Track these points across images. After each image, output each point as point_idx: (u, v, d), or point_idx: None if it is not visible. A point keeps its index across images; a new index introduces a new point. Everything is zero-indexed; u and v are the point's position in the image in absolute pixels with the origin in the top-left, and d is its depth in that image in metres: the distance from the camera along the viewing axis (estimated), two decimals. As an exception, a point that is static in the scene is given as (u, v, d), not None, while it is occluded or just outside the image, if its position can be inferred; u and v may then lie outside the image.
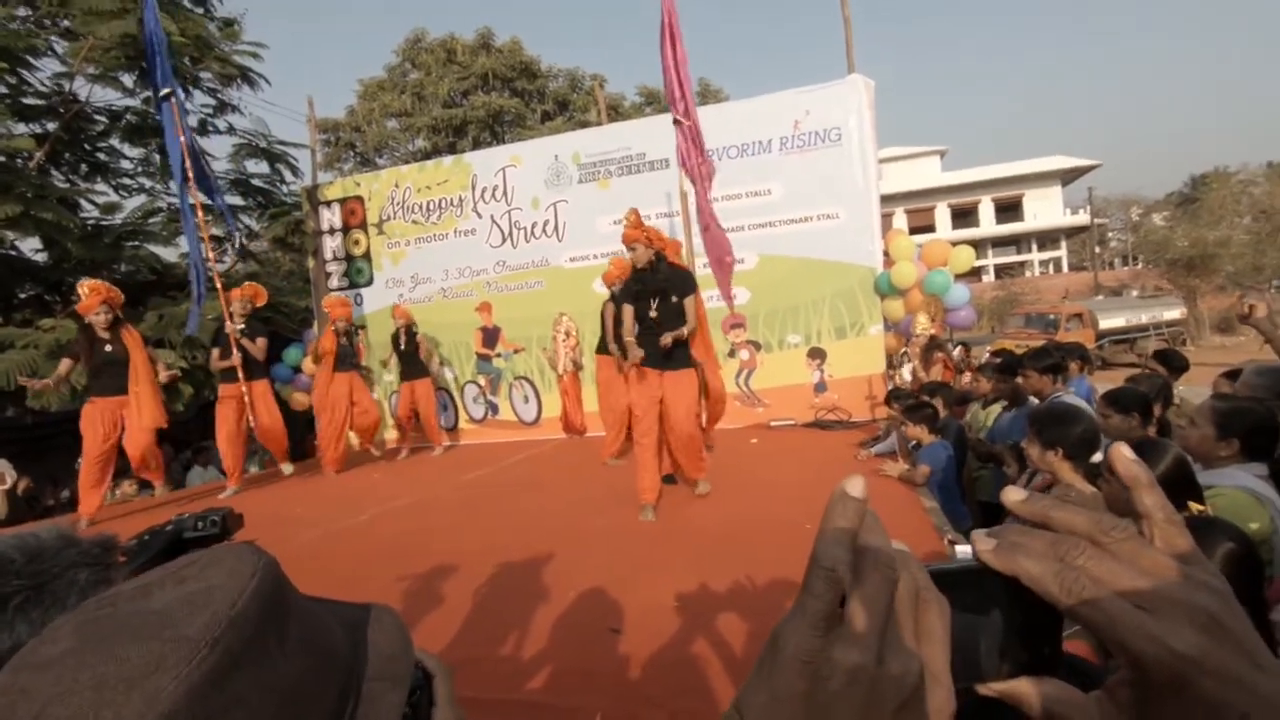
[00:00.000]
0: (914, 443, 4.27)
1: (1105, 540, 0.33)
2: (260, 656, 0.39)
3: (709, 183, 5.55)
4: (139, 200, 9.09)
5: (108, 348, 5.15)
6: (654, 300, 4.08)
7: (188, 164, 5.82)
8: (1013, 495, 0.36)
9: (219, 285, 5.97)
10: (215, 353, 5.99)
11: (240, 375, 5.90)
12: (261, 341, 6.05)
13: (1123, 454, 0.35)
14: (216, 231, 9.85)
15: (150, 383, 5.30)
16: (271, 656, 0.40)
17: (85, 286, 5.13)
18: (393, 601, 2.73)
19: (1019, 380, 3.99)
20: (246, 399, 5.96)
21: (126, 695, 0.34)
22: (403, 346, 7.01)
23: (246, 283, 6.34)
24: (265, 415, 6.11)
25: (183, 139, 5.82)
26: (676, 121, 5.38)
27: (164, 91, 5.76)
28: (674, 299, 4.12)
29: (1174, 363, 3.89)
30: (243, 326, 6.00)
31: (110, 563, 0.78)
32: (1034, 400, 3.74)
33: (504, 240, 7.93)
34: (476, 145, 18.86)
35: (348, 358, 6.67)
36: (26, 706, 0.34)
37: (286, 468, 6.55)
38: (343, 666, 0.46)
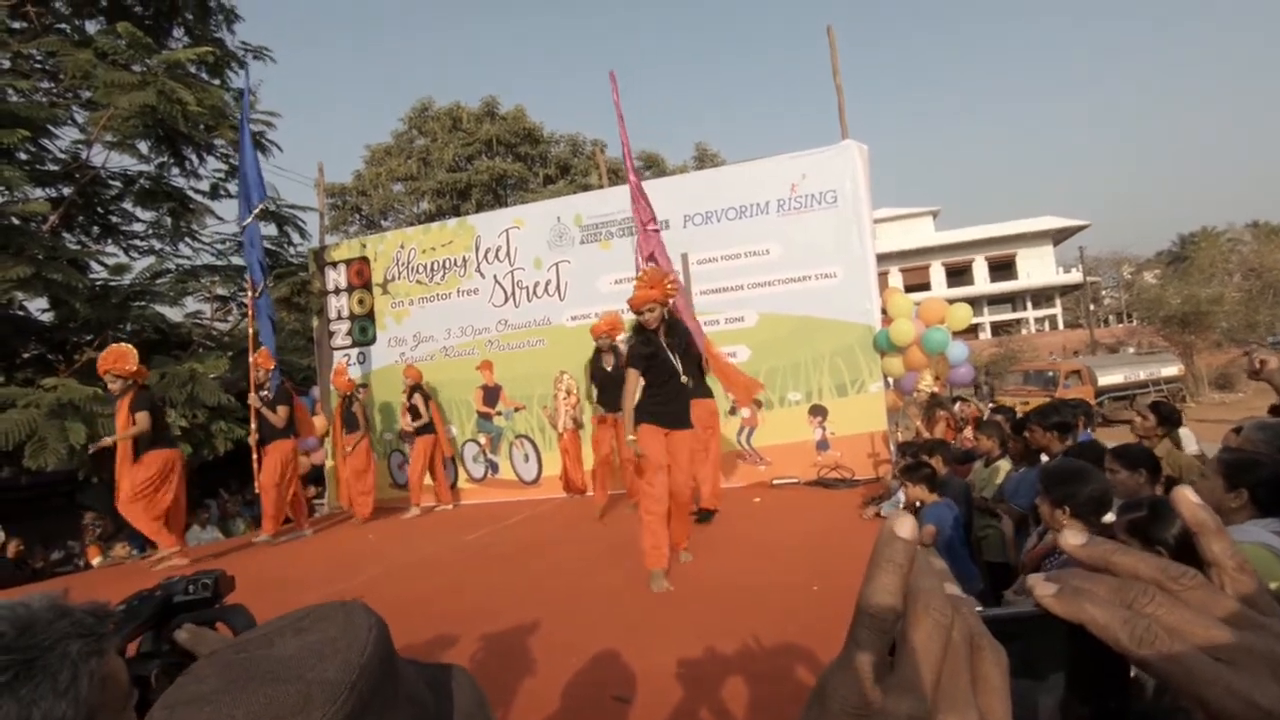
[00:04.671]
0: (917, 503, 4.20)
1: (1175, 587, 0.30)
2: (382, 704, 0.42)
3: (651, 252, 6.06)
4: (148, 261, 9.26)
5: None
6: (677, 360, 3.89)
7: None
8: (1072, 539, 0.33)
9: (250, 350, 6.56)
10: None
11: (254, 439, 6.30)
12: (283, 410, 6.31)
13: (1188, 498, 0.33)
14: (222, 291, 9.99)
15: (123, 457, 5.07)
16: (388, 705, 0.43)
17: (102, 353, 5.17)
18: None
19: (1027, 436, 3.97)
20: (255, 458, 6.27)
21: None
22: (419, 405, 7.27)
23: (261, 348, 6.56)
24: (267, 476, 6.24)
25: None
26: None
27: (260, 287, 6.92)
28: (692, 351, 4.04)
29: (1167, 415, 3.89)
30: (266, 393, 6.33)
31: (103, 633, 0.75)
32: (1044, 457, 3.70)
33: (506, 299, 8.02)
34: (480, 208, 19.29)
35: (353, 422, 7.12)
36: None
37: (261, 537, 6.22)
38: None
